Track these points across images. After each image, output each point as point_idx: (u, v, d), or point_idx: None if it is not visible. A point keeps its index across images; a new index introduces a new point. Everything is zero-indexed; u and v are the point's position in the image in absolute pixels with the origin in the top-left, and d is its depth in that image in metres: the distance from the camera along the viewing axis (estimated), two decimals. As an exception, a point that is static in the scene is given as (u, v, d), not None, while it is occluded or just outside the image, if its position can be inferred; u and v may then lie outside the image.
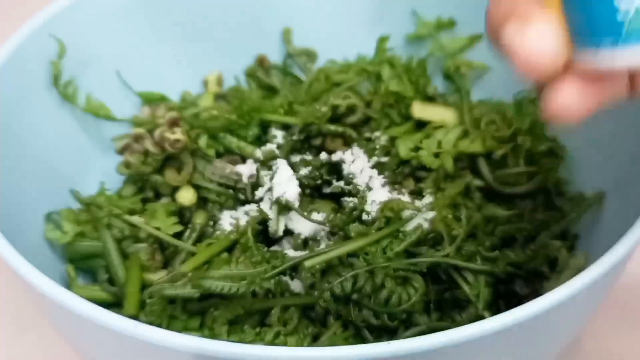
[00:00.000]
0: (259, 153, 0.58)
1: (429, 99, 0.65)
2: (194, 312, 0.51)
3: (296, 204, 0.54)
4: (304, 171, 0.56)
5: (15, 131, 0.53)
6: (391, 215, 0.52)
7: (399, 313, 0.48)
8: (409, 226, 0.52)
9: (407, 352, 0.34)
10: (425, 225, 0.52)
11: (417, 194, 0.58)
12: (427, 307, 0.51)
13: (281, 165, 0.56)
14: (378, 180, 0.56)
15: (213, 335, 0.48)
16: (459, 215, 0.53)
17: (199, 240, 0.56)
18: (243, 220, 0.55)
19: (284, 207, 0.54)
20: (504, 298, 0.54)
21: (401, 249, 0.50)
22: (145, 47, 0.65)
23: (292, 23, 0.71)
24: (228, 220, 0.55)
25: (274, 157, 0.58)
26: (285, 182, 0.55)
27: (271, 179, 0.56)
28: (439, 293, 0.52)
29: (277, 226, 0.54)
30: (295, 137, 0.60)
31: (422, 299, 0.49)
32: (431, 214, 0.53)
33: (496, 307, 0.53)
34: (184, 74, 0.68)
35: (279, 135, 0.60)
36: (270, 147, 0.59)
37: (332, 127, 0.60)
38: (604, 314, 0.58)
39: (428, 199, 0.55)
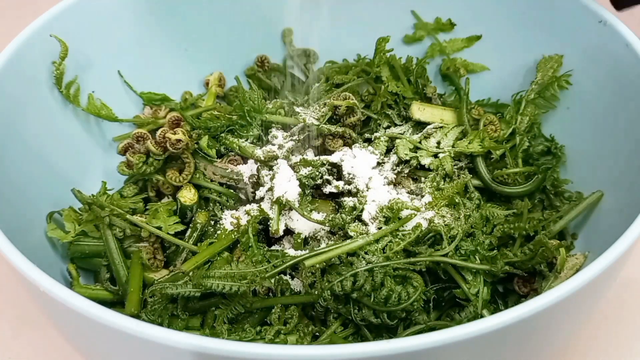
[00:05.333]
0: (259, 153, 0.58)
1: (428, 99, 0.65)
2: (195, 311, 0.51)
3: (296, 204, 0.54)
4: (304, 171, 0.56)
5: (18, 131, 0.53)
6: (390, 215, 0.52)
7: (399, 312, 0.48)
8: (409, 225, 0.52)
9: (407, 350, 0.35)
10: (425, 224, 0.52)
11: (417, 194, 0.58)
12: (427, 306, 0.51)
13: (282, 165, 0.56)
14: (378, 180, 0.56)
15: (214, 334, 0.48)
16: (457, 215, 0.53)
17: (200, 239, 0.56)
18: (244, 220, 0.55)
19: (284, 207, 0.54)
20: (502, 297, 0.55)
21: (400, 248, 0.50)
22: (147, 48, 0.65)
23: (293, 23, 0.71)
24: (229, 220, 0.56)
25: (275, 158, 0.58)
26: (285, 182, 0.55)
27: (272, 179, 0.56)
28: (439, 292, 0.52)
29: (278, 226, 0.54)
30: (295, 138, 0.60)
31: (421, 298, 0.49)
32: (430, 214, 0.53)
33: (495, 306, 0.53)
34: (185, 74, 0.68)
35: (279, 135, 0.60)
36: (271, 147, 0.59)
37: (332, 128, 0.60)
38: (604, 313, 0.58)
39: (427, 198, 0.55)
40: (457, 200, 0.54)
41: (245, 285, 0.48)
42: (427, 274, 0.52)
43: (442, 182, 0.57)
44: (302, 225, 0.55)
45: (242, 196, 0.59)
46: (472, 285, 0.50)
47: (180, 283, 0.49)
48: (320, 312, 0.50)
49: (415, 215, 0.52)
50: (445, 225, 0.52)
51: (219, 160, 0.60)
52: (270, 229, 0.54)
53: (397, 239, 0.51)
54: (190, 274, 0.50)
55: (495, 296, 0.54)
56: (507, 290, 0.55)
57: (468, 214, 0.53)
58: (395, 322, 0.49)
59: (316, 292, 0.49)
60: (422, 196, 0.56)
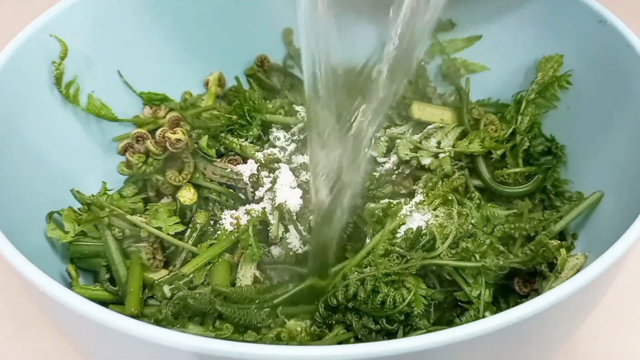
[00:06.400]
0: (260, 156, 0.58)
1: (428, 99, 0.65)
2: (195, 313, 0.51)
3: (297, 210, 0.54)
4: (306, 176, 0.56)
5: (18, 131, 0.53)
6: (380, 217, 0.52)
7: (397, 315, 0.48)
8: (402, 229, 0.52)
9: (407, 350, 0.35)
10: (423, 225, 0.52)
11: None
12: (427, 310, 0.51)
13: (283, 170, 0.56)
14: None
15: (218, 334, 0.48)
16: (451, 212, 0.53)
17: (200, 239, 0.56)
18: (244, 220, 0.55)
19: (285, 214, 0.54)
20: (503, 297, 0.54)
21: (382, 253, 0.50)
22: (147, 48, 0.65)
23: (292, 23, 0.71)
24: (229, 220, 0.56)
25: (276, 161, 0.58)
26: (287, 189, 0.55)
27: (273, 183, 0.56)
28: (437, 295, 0.52)
29: (277, 232, 0.54)
30: (296, 138, 0.60)
31: (420, 301, 0.49)
32: (428, 216, 0.53)
33: (497, 306, 0.53)
34: (185, 74, 0.68)
35: (281, 137, 0.60)
36: (272, 150, 0.59)
37: (333, 127, 0.60)
38: (603, 313, 0.58)
39: (419, 197, 0.55)
40: (450, 198, 0.54)
41: (254, 314, 0.48)
42: (433, 278, 0.52)
43: (440, 183, 0.57)
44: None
45: (242, 196, 0.59)
46: (473, 288, 0.50)
47: (201, 297, 0.49)
48: (320, 322, 0.50)
49: (411, 217, 0.52)
50: (439, 224, 0.52)
51: (218, 160, 0.60)
52: (270, 234, 0.54)
53: (388, 246, 0.51)
54: (191, 276, 0.51)
55: (496, 296, 0.53)
56: (508, 290, 0.55)
57: (465, 212, 0.53)
58: (396, 326, 0.49)
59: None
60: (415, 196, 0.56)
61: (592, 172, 0.58)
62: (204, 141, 0.59)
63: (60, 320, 0.44)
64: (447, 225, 0.51)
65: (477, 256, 0.50)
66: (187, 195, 0.57)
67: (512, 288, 0.54)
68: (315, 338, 0.49)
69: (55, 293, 0.38)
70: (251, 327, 0.48)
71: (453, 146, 0.59)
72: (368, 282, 0.48)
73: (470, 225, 0.53)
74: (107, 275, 0.54)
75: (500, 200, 0.59)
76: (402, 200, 0.55)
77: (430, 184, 0.56)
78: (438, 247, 0.50)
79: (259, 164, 0.58)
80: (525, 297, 0.53)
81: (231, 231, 0.54)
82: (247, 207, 0.56)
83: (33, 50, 0.55)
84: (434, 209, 0.53)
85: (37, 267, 0.40)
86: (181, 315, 0.50)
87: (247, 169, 0.58)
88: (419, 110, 0.62)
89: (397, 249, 0.51)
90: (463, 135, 0.61)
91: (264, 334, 0.48)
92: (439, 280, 0.52)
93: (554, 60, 0.61)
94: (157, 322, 0.48)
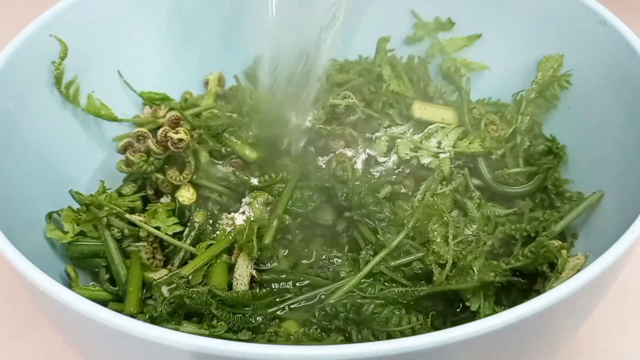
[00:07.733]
0: (254, 182, 0.58)
1: (430, 99, 0.65)
2: (191, 312, 0.51)
3: None
4: None
5: (17, 131, 0.53)
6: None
7: (398, 333, 0.48)
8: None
9: (407, 350, 0.35)
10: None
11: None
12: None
13: None
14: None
15: (212, 334, 0.48)
16: (445, 234, 0.53)
17: (198, 239, 0.56)
18: (239, 220, 0.55)
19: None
20: (506, 293, 0.54)
21: (381, 287, 0.50)
22: (147, 48, 0.65)
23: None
24: (228, 220, 0.56)
25: (275, 183, 0.58)
26: None
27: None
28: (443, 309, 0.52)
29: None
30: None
31: (426, 325, 0.49)
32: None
33: (499, 302, 0.53)
34: (185, 74, 0.68)
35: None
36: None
37: (329, 128, 0.60)
38: (603, 313, 0.58)
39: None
40: (445, 219, 0.53)
41: (249, 317, 0.49)
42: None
43: (440, 187, 0.57)
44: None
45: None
46: (472, 303, 0.50)
47: (198, 296, 0.49)
48: (316, 329, 0.50)
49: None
50: (434, 253, 0.51)
51: (220, 162, 0.60)
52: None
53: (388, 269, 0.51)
54: (190, 277, 0.51)
55: (499, 293, 0.53)
56: (508, 288, 0.55)
57: (459, 238, 0.53)
58: None
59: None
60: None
61: (592, 172, 0.58)
62: (205, 142, 0.59)
63: (60, 320, 0.44)
64: (442, 254, 0.51)
65: (475, 269, 0.50)
66: (186, 195, 0.57)
67: (515, 285, 0.54)
68: (313, 340, 0.49)
69: (55, 293, 0.38)
70: (246, 328, 0.49)
71: (453, 146, 0.59)
72: (368, 307, 0.49)
73: (470, 236, 0.53)
74: (107, 276, 0.54)
75: (500, 200, 0.59)
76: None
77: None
78: (435, 279, 0.50)
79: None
80: (527, 297, 0.53)
81: (229, 231, 0.54)
82: (246, 207, 0.56)
83: (33, 50, 0.55)
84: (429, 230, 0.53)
85: (37, 267, 0.40)
86: (177, 314, 0.50)
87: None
88: (420, 110, 0.61)
89: (399, 278, 0.51)
90: (464, 135, 0.61)
91: (258, 333, 0.48)
92: (441, 294, 0.52)
93: (554, 60, 0.61)
94: (152, 320, 0.48)
